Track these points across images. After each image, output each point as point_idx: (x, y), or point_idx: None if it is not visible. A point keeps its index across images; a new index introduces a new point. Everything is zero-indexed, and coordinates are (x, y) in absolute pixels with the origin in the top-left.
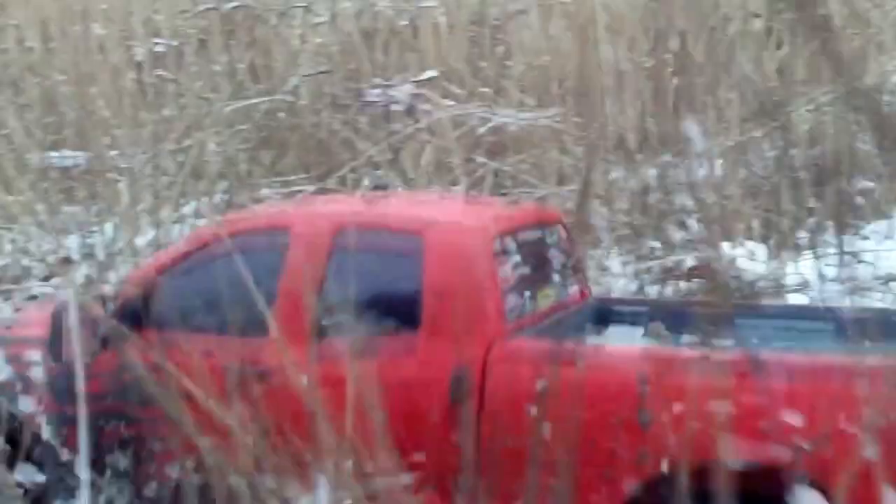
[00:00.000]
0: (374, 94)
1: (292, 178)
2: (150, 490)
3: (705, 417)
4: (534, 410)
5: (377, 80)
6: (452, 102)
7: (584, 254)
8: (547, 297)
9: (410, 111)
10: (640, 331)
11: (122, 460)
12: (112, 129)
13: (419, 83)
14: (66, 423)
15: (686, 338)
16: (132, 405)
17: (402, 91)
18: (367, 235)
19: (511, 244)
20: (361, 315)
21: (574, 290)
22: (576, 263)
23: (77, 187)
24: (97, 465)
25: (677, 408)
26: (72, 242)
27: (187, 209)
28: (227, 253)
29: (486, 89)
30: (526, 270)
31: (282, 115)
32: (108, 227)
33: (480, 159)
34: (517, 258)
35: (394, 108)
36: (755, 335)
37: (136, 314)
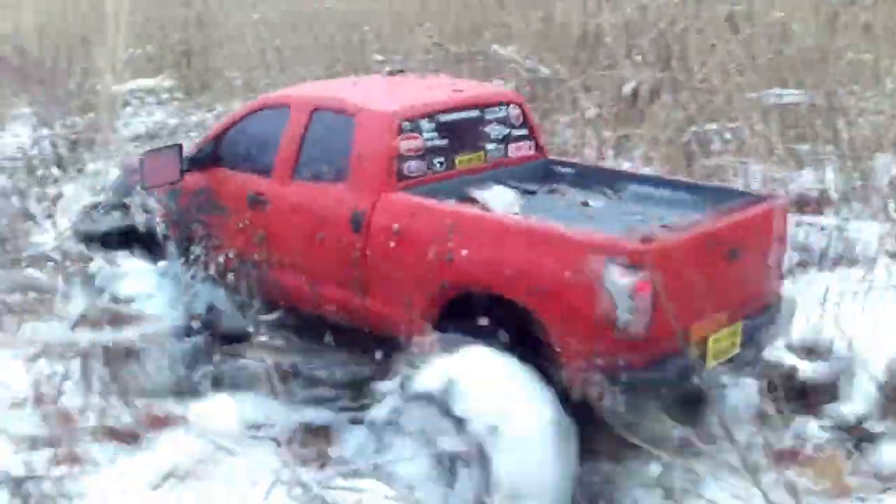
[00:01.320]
0: None
1: None
2: (211, 269)
3: (487, 258)
4: (391, 243)
5: None
6: None
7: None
8: (469, 161)
9: None
10: (510, 190)
11: (198, 249)
12: (839, 65)
13: None
14: (171, 224)
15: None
16: (202, 214)
17: None
18: (331, 114)
19: (427, 124)
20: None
21: (521, 153)
22: (528, 133)
23: (804, 125)
24: (188, 251)
25: (466, 251)
26: (804, 178)
27: None
28: (255, 119)
29: None
30: (443, 142)
31: None
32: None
33: None
34: (433, 134)
35: None
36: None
37: (206, 158)
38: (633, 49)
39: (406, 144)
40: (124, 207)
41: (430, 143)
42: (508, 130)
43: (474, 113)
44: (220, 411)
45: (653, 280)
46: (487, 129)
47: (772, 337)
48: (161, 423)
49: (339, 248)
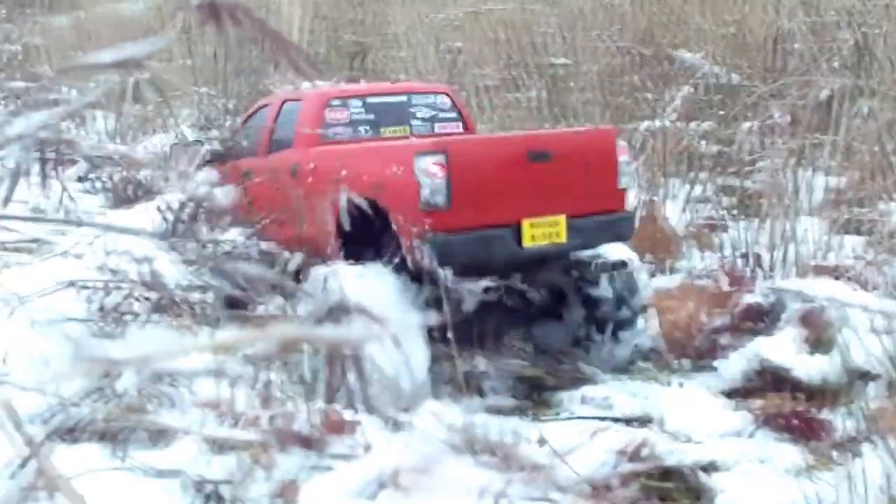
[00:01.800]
0: None
1: None
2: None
3: (356, 173)
4: (310, 179)
5: None
6: None
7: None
8: (394, 130)
9: None
10: None
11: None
12: None
13: None
14: None
15: None
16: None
17: None
18: (290, 104)
19: (356, 102)
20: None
21: (447, 131)
22: (458, 114)
23: None
24: None
25: (346, 171)
26: None
27: None
28: (252, 118)
29: None
30: (369, 116)
31: None
32: None
33: None
34: (360, 110)
35: None
36: None
37: (222, 153)
38: (828, 54)
39: (332, 115)
40: None
41: (356, 117)
42: (435, 113)
43: (402, 98)
44: (443, 417)
45: (447, 164)
46: (414, 110)
47: (606, 238)
48: (341, 428)
49: (286, 194)
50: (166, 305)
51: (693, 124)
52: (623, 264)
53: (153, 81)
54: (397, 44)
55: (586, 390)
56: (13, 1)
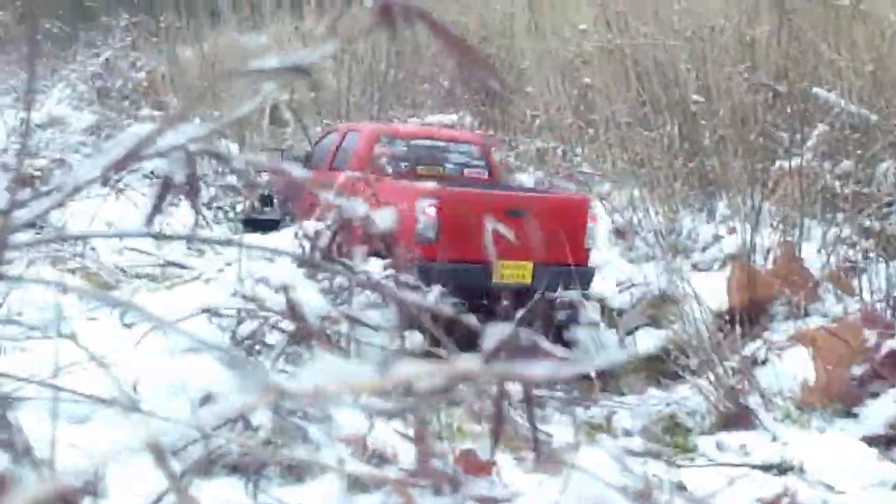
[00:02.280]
0: None
1: None
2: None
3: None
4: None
5: None
6: None
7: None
8: (429, 169)
9: None
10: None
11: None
12: None
13: None
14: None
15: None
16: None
17: None
18: (350, 134)
19: (398, 142)
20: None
21: (473, 175)
22: (486, 163)
23: None
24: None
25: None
26: None
27: None
28: (324, 139)
29: None
30: (409, 154)
31: None
32: None
33: None
34: (403, 148)
35: None
36: None
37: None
38: None
39: (379, 149)
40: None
41: (399, 153)
42: (467, 160)
43: (440, 143)
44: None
45: (439, 209)
46: (448, 155)
47: (566, 285)
48: (481, 468)
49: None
50: (306, 336)
51: (829, 164)
52: (574, 305)
53: (291, 105)
54: (525, 79)
55: (722, 435)
56: (139, 30)
